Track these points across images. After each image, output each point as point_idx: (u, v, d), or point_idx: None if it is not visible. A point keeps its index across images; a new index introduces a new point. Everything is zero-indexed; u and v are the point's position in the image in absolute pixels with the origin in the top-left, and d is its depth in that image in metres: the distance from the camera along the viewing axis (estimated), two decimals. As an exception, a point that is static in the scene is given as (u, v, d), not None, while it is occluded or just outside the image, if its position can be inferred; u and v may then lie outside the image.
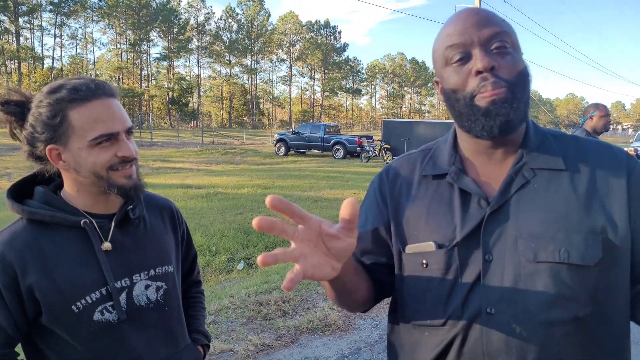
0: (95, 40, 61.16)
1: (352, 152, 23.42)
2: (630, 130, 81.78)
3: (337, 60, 76.43)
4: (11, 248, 1.04)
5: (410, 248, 0.96)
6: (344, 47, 76.96)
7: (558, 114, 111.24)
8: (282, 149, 25.41)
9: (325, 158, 23.78)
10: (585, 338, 0.85)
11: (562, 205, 0.87)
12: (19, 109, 1.10)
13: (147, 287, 1.17)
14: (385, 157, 20.82)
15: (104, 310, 1.09)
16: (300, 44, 74.07)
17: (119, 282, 1.12)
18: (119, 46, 60.61)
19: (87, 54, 61.14)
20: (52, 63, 56.10)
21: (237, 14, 68.45)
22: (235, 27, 68.69)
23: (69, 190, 1.14)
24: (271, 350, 3.32)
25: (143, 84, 61.24)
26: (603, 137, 4.55)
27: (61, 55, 59.46)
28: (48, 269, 1.05)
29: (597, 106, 4.50)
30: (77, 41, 58.95)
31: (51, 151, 1.07)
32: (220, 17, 68.45)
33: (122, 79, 59.05)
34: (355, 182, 13.90)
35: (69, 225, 1.09)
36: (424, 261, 0.93)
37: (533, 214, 0.87)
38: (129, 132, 1.10)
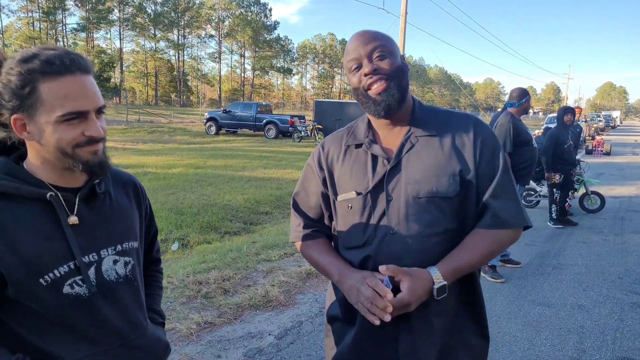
0: (3, 7, 55.43)
1: (285, 132, 23.38)
2: (541, 114, 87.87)
3: (267, 39, 75.06)
4: None
5: (340, 197, 1.38)
6: (275, 25, 75.76)
7: (477, 97, 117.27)
8: (213, 128, 24.83)
9: (258, 138, 23.56)
10: (450, 243, 1.29)
11: (434, 159, 1.30)
12: None
13: (115, 262, 1.17)
14: (317, 137, 20.98)
15: (74, 284, 1.08)
16: (230, 20, 71.83)
17: (86, 257, 1.10)
18: (30, 14, 55.43)
19: (-8, 22, 55.48)
20: (-49, 30, 50.46)
21: (162, -15, 65.01)
22: (160, -1, 65.28)
23: (34, 161, 1.10)
24: (214, 328, 3.33)
25: (58, 57, 56.70)
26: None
27: (-38, 22, 53.62)
28: (12, 242, 1.02)
29: (526, 93, 4.71)
30: (-19, 7, 53.22)
31: (16, 121, 1.04)
32: (144, -12, 64.66)
33: (33, 50, 54.20)
34: (289, 161, 13.93)
35: (33, 197, 1.06)
36: (349, 205, 1.36)
37: (416, 166, 1.30)
38: (99, 111, 1.08)
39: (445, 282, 1.22)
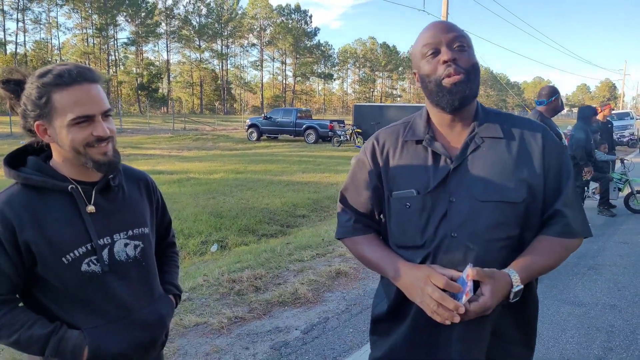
0: (60, 25, 58.65)
1: (324, 137, 23.58)
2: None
3: (308, 45, 75.92)
4: (10, 207, 1.22)
5: (396, 194, 1.32)
6: (315, 31, 76.50)
7: (525, 97, 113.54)
8: (254, 134, 25.37)
9: (298, 143, 23.87)
10: (511, 249, 1.25)
11: (501, 163, 1.26)
12: (16, 88, 1.27)
13: (126, 245, 1.36)
14: (356, 141, 21.04)
15: (90, 263, 1.28)
16: (271, 28, 73.18)
17: (101, 240, 1.30)
18: (84, 31, 58.51)
19: (51, 39, 58.64)
20: (16, 48, 53.67)
21: (206, -3, 67.03)
22: (204, 11, 67.35)
23: (57, 159, 1.31)
24: (244, 322, 3.50)
25: (111, 70, 59.59)
26: (563, 119, 4.76)
27: (24, 41, 57.07)
28: (41, 226, 1.22)
29: (556, 91, 4.67)
30: (41, 26, 56.40)
31: (38, 126, 1.25)
32: (189, 1, 66.88)
33: (88, 64, 56.44)
34: (327, 165, 14.09)
35: (58, 190, 1.26)
36: (407, 204, 1.30)
37: (482, 168, 1.26)
38: (106, 114, 1.26)
39: (522, 286, 1.19)
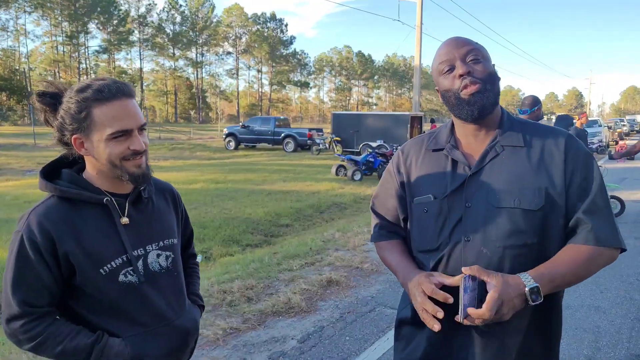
0: (29, 32, 57.35)
1: (303, 145, 23.59)
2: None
3: (284, 53, 76.06)
4: (48, 219, 1.22)
5: (416, 200, 1.38)
6: (291, 40, 76.76)
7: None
8: (232, 143, 25.22)
9: (276, 151, 23.83)
10: (528, 258, 1.24)
11: (519, 171, 1.27)
12: (52, 101, 1.28)
13: (158, 255, 1.38)
14: (335, 149, 21.12)
15: (127, 274, 1.30)
16: (247, 36, 73.08)
17: (135, 251, 1.32)
18: (54, 38, 57.27)
19: (19, 47, 57.17)
20: (-19, 56, 52.27)
21: (180, 5, 66.32)
22: (178, 19, 66.74)
23: (91, 172, 1.32)
24: (239, 333, 3.48)
25: (82, 78, 58.33)
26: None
27: (-10, 48, 55.42)
28: (79, 238, 1.24)
29: (539, 101, 4.83)
30: (8, 33, 54.95)
31: (76, 140, 1.26)
32: (163, 9, 66.36)
33: (58, 73, 55.90)
34: (308, 174, 14.10)
35: (93, 202, 1.28)
36: (425, 208, 1.35)
37: (500, 176, 1.28)
38: (141, 128, 1.29)
39: (537, 284, 1.15)
